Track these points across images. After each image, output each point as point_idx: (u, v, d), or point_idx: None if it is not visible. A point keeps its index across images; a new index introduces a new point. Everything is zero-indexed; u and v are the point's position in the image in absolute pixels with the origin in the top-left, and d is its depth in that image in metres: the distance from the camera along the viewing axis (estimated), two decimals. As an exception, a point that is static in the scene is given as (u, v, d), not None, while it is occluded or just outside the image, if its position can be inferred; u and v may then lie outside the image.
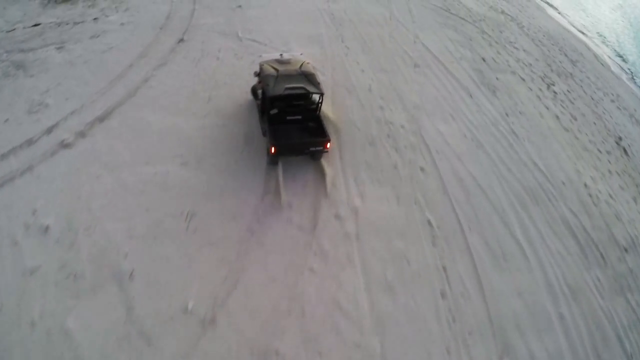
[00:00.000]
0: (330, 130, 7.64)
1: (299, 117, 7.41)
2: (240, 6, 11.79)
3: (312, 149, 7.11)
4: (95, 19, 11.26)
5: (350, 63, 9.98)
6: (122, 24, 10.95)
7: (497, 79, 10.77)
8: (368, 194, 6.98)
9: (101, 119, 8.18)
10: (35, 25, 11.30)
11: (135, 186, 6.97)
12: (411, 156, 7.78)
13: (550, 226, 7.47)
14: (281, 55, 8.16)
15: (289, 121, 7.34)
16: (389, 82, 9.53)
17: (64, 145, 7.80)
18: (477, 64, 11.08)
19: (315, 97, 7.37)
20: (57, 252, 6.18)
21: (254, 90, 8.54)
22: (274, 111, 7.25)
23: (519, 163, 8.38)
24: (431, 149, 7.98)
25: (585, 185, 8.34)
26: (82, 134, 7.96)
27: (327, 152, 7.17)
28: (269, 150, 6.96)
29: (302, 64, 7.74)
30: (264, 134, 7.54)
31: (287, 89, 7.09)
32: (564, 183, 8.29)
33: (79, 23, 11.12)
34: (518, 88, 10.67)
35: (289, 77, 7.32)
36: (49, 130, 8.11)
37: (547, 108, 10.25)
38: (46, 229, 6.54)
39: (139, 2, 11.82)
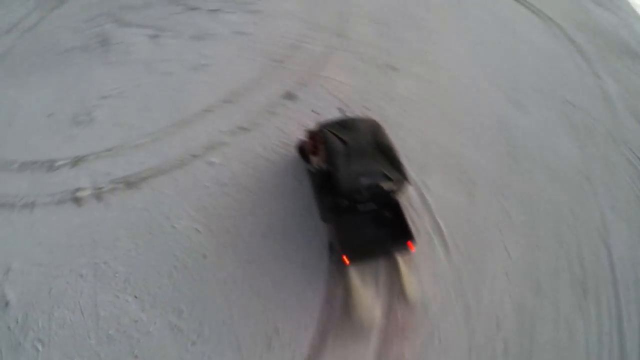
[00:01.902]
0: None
1: (374, 206, 6.36)
2: (394, 68, 9.36)
3: (391, 250, 6.27)
4: (213, 10, 9.94)
5: (504, 270, 7.21)
6: (236, 32, 9.58)
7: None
8: None
9: (129, 183, 7.15)
10: (152, -13, 10.52)
11: (107, 324, 5.97)
12: None
13: None
14: (342, 111, 7.61)
15: (360, 211, 6.37)
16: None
17: (74, 198, 7.20)
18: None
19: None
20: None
21: (302, 150, 7.41)
22: (344, 202, 6.21)
23: None
24: None
25: None
26: (98, 195, 7.17)
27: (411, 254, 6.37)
28: (336, 253, 6.12)
29: (372, 129, 6.62)
30: (324, 220, 6.56)
31: (362, 176, 6.01)
32: None
33: (193, 9, 10.03)
34: None
35: (361, 154, 6.24)
36: (75, 161, 7.54)
37: None
38: (6, 304, 6.17)
39: (273, 8, 10.11)
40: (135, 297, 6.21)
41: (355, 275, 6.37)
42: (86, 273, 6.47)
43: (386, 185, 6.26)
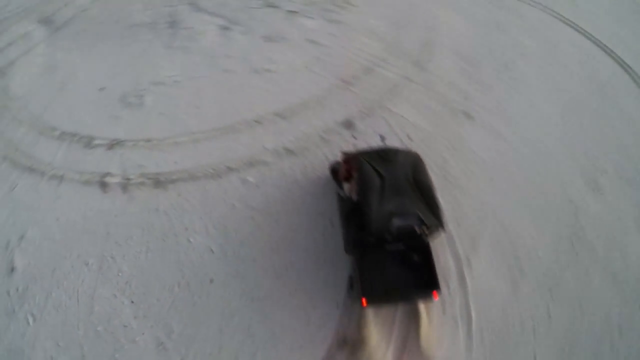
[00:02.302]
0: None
1: (402, 246, 6.14)
2: (469, 116, 8.78)
3: (414, 297, 6.17)
4: (292, 11, 9.81)
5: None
6: (310, 40, 9.39)
7: None
8: None
9: (158, 182, 7.31)
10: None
11: (98, 320, 6.13)
12: None
13: None
14: (382, 139, 7.33)
15: (387, 250, 6.19)
16: None
17: (102, 182, 7.39)
18: None
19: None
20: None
21: (335, 173, 7.19)
22: (371, 239, 6.03)
23: None
24: None
25: None
26: (125, 186, 7.31)
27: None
28: (356, 289, 6.01)
29: (413, 164, 6.48)
30: (347, 252, 6.44)
31: (395, 217, 5.86)
32: None
33: (272, 6, 9.82)
34: None
35: (397, 190, 6.12)
36: (112, 144, 7.71)
37: None
38: (12, 270, 6.52)
39: (356, 21, 9.88)
40: (132, 302, 6.24)
41: (370, 316, 6.20)
42: (92, 263, 6.60)
43: (419, 229, 6.02)
